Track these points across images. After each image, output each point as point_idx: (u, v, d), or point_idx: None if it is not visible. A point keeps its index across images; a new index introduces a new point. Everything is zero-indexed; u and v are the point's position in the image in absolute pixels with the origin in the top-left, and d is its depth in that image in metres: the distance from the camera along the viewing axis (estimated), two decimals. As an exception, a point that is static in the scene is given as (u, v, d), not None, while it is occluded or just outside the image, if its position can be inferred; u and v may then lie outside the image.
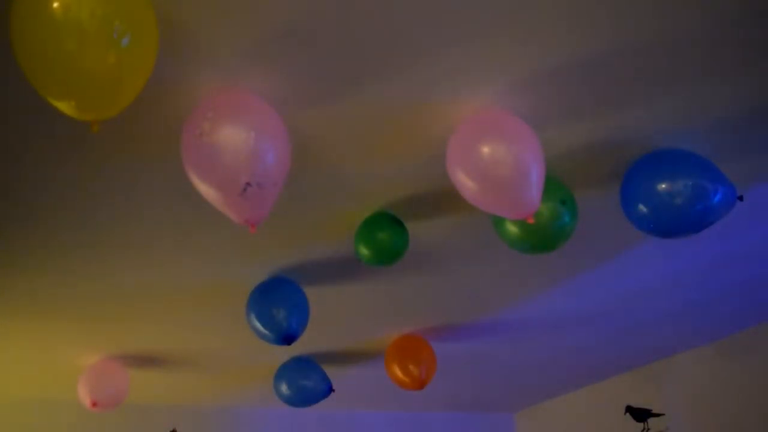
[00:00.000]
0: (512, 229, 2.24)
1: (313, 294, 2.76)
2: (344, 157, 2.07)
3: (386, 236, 2.33)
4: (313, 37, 1.61)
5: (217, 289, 2.80)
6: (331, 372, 3.49)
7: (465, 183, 1.91)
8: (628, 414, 4.14)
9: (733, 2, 1.63)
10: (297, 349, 3.26)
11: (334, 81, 1.77)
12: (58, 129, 1.79)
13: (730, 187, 2.13)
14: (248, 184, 1.68)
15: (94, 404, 3.07)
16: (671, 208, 2.12)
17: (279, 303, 2.64)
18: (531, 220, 1.92)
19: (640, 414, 4.13)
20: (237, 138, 1.68)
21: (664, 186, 2.11)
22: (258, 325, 2.64)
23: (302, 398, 3.42)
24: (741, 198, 2.16)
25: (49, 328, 2.95)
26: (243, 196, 1.70)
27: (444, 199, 2.29)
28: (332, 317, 3.15)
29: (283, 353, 3.36)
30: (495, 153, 1.85)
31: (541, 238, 2.25)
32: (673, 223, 2.16)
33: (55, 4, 1.29)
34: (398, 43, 1.65)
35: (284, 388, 3.39)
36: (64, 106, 1.38)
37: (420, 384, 3.24)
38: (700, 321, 3.78)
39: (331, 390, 3.41)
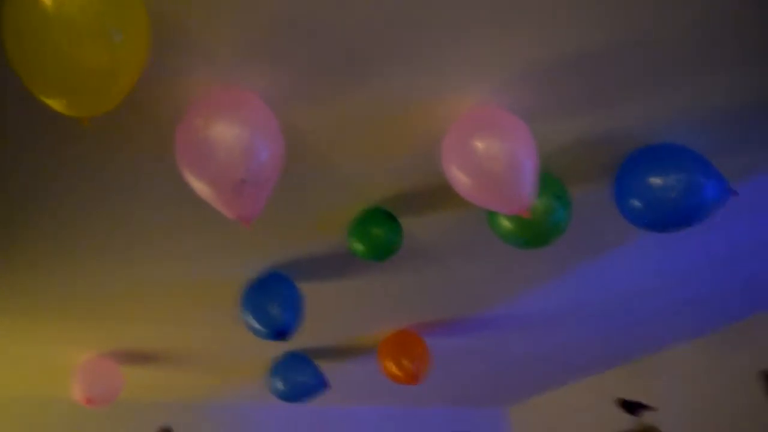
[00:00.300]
0: (506, 224, 2.25)
1: (307, 289, 2.76)
2: (339, 153, 2.07)
3: (380, 232, 2.33)
4: (309, 35, 1.60)
5: (212, 286, 2.79)
6: (326, 367, 3.50)
7: (460, 179, 1.91)
8: (620, 407, 4.16)
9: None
10: (291, 344, 3.26)
11: (329, 78, 1.76)
12: (58, 129, 1.77)
13: (723, 182, 2.14)
14: (243, 180, 1.68)
15: (89, 401, 3.06)
16: (664, 202, 2.12)
17: (273, 299, 2.64)
18: (526, 215, 1.92)
19: (632, 407, 4.15)
20: (231, 134, 1.68)
21: (657, 181, 2.12)
22: (252, 320, 2.63)
23: (296, 394, 3.42)
24: (735, 193, 2.16)
25: (43, 326, 2.94)
26: (237, 192, 1.69)
27: (438, 195, 2.29)
28: (326, 313, 3.15)
29: (278, 349, 3.36)
30: (489, 149, 1.85)
31: (536, 233, 2.26)
32: (667, 218, 2.17)
33: (47, 1, 1.28)
34: (393, 41, 1.64)
35: (279, 384, 3.39)
36: (56, 104, 1.37)
37: (414, 379, 3.25)
38: (691, 315, 3.80)
39: (325, 385, 3.41)
